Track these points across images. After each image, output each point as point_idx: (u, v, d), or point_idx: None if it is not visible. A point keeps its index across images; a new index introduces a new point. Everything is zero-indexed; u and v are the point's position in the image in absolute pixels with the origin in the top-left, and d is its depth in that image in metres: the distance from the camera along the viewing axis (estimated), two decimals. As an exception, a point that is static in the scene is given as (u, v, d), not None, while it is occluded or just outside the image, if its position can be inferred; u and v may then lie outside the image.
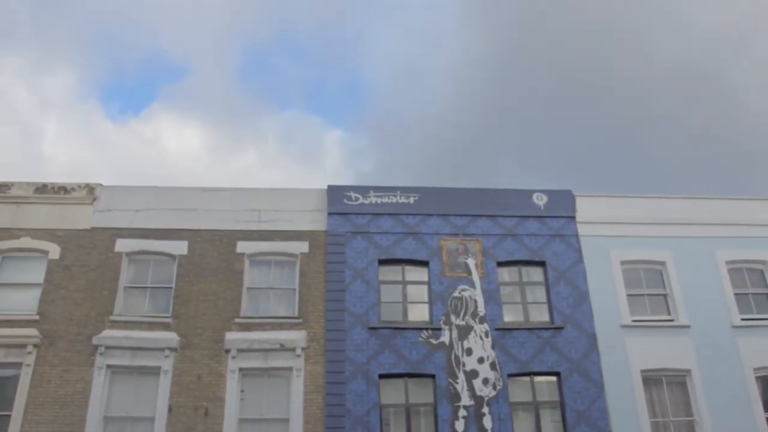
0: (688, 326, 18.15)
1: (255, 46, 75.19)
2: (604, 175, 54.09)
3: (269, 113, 70.07)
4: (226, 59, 70.29)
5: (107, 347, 17.16)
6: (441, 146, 60.37)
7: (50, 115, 63.05)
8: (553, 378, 17.50)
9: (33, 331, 17.29)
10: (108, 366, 17.02)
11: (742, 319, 18.47)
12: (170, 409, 16.56)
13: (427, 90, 64.35)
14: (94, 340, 17.22)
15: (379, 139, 66.63)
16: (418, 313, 18.28)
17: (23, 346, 17.09)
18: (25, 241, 18.71)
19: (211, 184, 58.45)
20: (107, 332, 17.38)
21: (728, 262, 19.30)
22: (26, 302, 17.92)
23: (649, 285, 19.01)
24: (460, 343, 17.63)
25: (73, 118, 63.90)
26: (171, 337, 17.38)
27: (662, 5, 54.90)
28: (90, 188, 19.60)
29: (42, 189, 19.51)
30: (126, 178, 58.65)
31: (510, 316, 18.33)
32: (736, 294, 18.86)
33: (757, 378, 17.72)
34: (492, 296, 18.36)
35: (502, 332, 17.85)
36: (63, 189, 19.56)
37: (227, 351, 17.27)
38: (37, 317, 17.52)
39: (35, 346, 17.14)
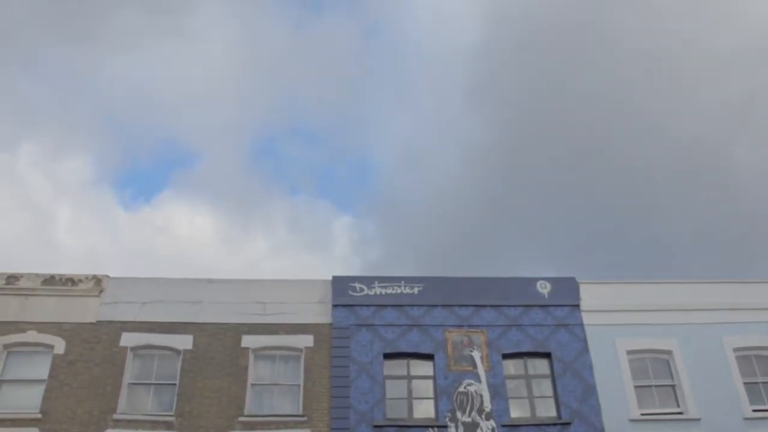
0: (698, 419, 17.49)
1: (265, 132, 75.66)
2: (610, 259, 53.29)
3: (279, 198, 70.08)
4: (237, 145, 70.72)
5: (110, 448, 16.65)
6: (447, 231, 60.07)
7: (64, 202, 63.29)
8: (562, 477, 16.84)
9: (34, 431, 16.79)
10: (110, 468, 16.48)
11: (754, 411, 17.79)
12: None
13: (433, 175, 64.41)
14: (97, 441, 16.73)
15: (387, 225, 66.46)
16: (424, 410, 17.75)
17: (25, 447, 16.62)
18: (32, 335, 18.40)
19: (221, 272, 57.85)
20: (110, 432, 16.90)
21: (736, 350, 18.73)
22: (29, 399, 17.48)
23: (656, 375, 18.44)
24: (466, 440, 17.04)
25: (86, 205, 64.06)
26: (174, 437, 16.87)
27: (664, 83, 54.80)
28: (97, 280, 19.34)
29: (50, 280, 19.28)
30: (137, 267, 58.43)
31: (516, 411, 17.75)
32: (745, 383, 18.22)
33: (772, 474, 16.99)
34: (498, 390, 17.81)
35: (508, 429, 17.27)
36: (70, 281, 19.32)
37: (231, 451, 16.72)
38: (39, 416, 17.07)
39: (36, 447, 16.64)
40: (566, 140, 57.17)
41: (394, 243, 63.23)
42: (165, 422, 17.15)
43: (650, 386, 18.24)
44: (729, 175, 52.16)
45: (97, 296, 19.12)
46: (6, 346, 18.13)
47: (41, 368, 17.96)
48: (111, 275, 19.63)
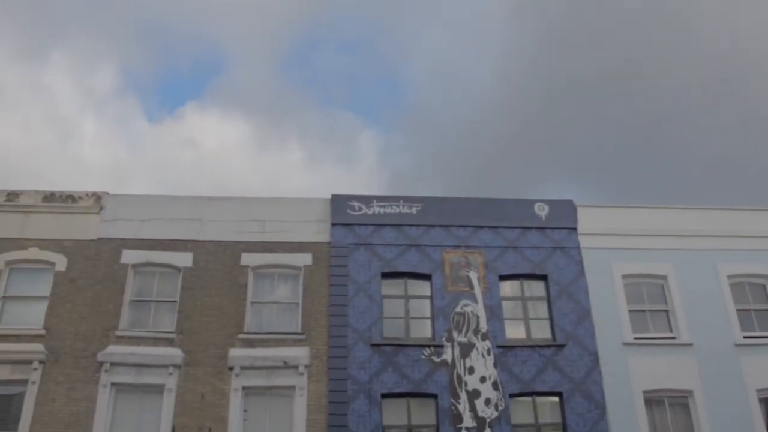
0: (690, 344, 16.45)
1: (297, 38, 70.08)
2: (634, 182, 50.59)
3: (307, 110, 65.75)
4: (270, 52, 65.69)
5: (112, 364, 15.60)
6: (477, 145, 56.84)
7: (91, 114, 59.84)
8: (555, 399, 15.87)
9: (39, 347, 15.80)
10: (113, 384, 15.52)
11: (745, 337, 16.71)
12: (174, 430, 15.04)
13: (466, 87, 60.17)
14: (99, 357, 15.74)
15: (416, 138, 62.83)
16: (421, 329, 16.64)
17: (29, 362, 15.62)
18: (33, 252, 17.12)
19: (245, 186, 54.86)
20: (112, 348, 15.88)
21: (730, 276, 17.49)
22: (33, 316, 16.42)
23: (650, 300, 17.27)
24: (462, 361, 15.98)
25: (112, 116, 60.63)
26: (175, 354, 15.85)
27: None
28: (97, 197, 17.90)
29: (50, 197, 17.85)
30: (161, 181, 56.10)
31: (512, 332, 16.67)
32: (738, 310, 17.08)
33: (761, 400, 16.04)
34: (494, 312, 16.66)
35: (503, 350, 16.21)
36: (70, 198, 17.88)
37: (231, 368, 15.71)
38: (43, 332, 16.03)
39: (41, 362, 15.66)
40: (604, 56, 53.04)
41: (423, 156, 60.30)
42: (166, 339, 16.10)
43: (644, 311, 17.11)
44: (760, 98, 48.65)
45: (97, 213, 17.72)
46: (8, 263, 16.95)
47: (43, 285, 16.77)
48: (111, 192, 18.20)
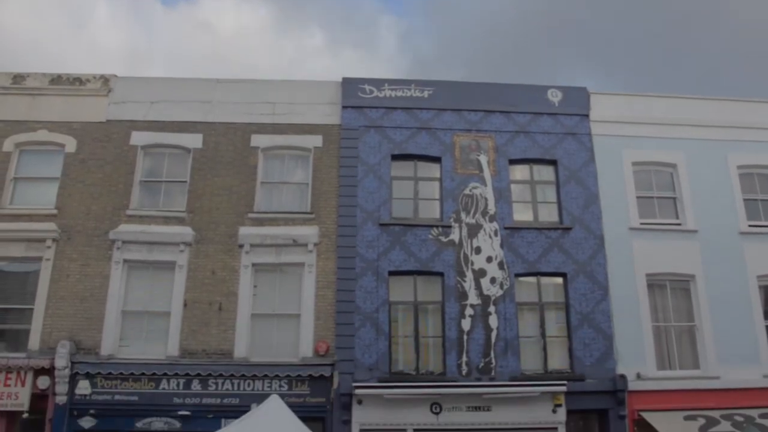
0: (695, 231, 16.49)
1: None
2: (660, 72, 48.78)
3: None
4: None
5: (124, 242, 15.83)
6: (501, 31, 54.57)
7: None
8: (559, 279, 16.08)
9: (52, 226, 16.03)
10: (125, 260, 15.78)
11: (750, 225, 16.74)
12: (185, 304, 15.42)
13: None
14: (111, 235, 15.96)
15: (437, 22, 60.36)
16: (429, 210, 16.71)
17: (42, 240, 15.88)
18: (42, 134, 17.12)
19: (250, 74, 53.56)
20: (123, 227, 16.07)
21: (739, 167, 17.35)
22: (44, 196, 16.60)
23: (659, 187, 17.22)
24: (469, 241, 16.10)
25: (126, 0, 58.60)
26: (186, 232, 16.04)
27: None
28: (105, 80, 17.69)
29: (57, 80, 17.69)
30: (178, 65, 54.71)
31: (519, 215, 16.73)
32: (745, 199, 17.06)
33: (761, 287, 16.26)
34: (502, 194, 16.66)
35: (510, 231, 16.31)
36: (78, 80, 17.69)
37: (240, 246, 15.93)
38: (55, 211, 16.21)
39: (54, 240, 15.89)
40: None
41: (444, 42, 58.09)
42: (177, 218, 16.27)
43: (652, 197, 17.06)
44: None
45: (106, 96, 17.54)
46: (18, 145, 17.00)
47: (54, 166, 16.85)
48: (119, 74, 17.90)
